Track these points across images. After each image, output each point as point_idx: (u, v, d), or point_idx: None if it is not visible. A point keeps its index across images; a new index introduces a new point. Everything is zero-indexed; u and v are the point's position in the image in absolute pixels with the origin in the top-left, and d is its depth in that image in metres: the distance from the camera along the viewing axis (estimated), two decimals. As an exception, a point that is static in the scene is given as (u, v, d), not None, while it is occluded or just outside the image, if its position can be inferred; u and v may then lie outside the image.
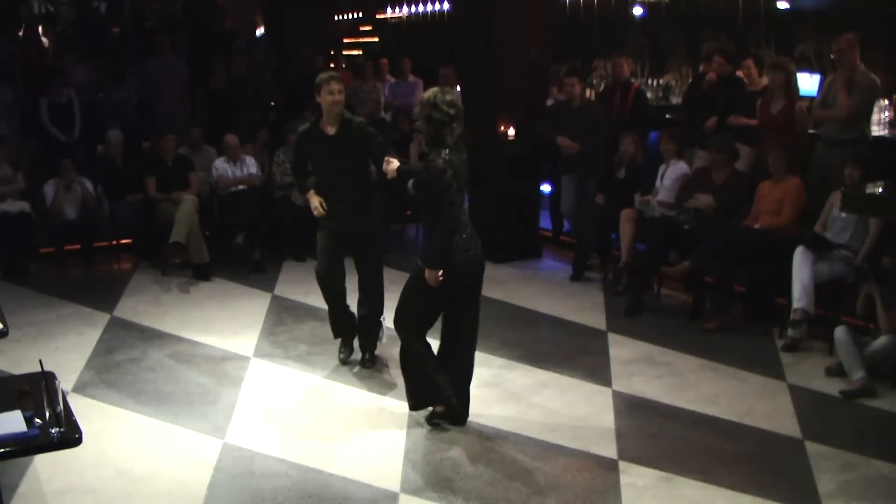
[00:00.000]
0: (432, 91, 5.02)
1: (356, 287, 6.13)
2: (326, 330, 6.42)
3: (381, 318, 6.12)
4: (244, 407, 5.59)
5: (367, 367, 6.12)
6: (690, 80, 9.34)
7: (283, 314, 7.25)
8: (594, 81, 10.78)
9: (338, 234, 5.94)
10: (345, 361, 6.21)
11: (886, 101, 7.89)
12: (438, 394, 5.17)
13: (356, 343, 6.26)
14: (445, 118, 4.92)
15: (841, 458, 4.87)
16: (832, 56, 7.41)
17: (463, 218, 5.02)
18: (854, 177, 6.19)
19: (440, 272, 4.88)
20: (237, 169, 8.77)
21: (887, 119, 7.89)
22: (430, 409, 5.28)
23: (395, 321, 5.18)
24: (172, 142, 8.79)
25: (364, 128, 5.92)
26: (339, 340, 6.32)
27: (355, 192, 5.90)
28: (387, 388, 5.82)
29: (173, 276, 8.28)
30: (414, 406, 5.32)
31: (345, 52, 14.40)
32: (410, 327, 5.13)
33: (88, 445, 4.13)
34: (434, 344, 5.28)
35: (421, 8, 14.54)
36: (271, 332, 6.88)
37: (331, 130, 5.88)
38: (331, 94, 5.80)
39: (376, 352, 6.20)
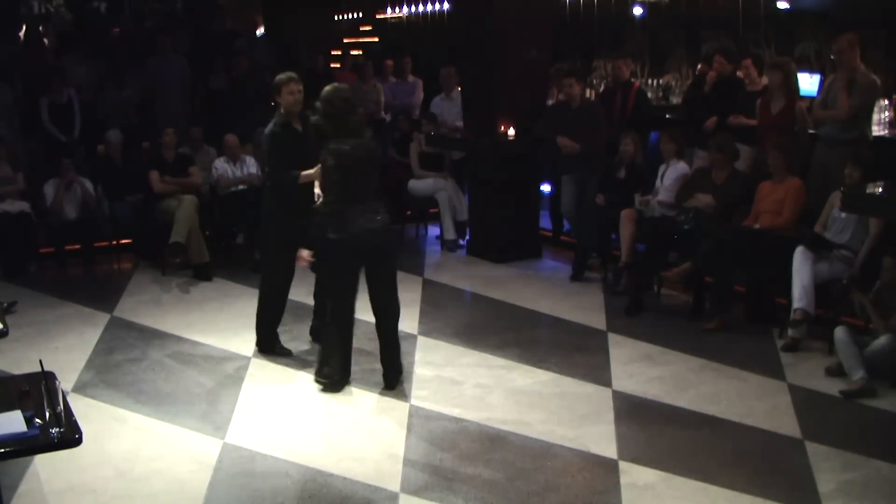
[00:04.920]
0: (329, 88, 5.68)
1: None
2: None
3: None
4: (244, 407, 5.59)
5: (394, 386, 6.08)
6: (690, 80, 9.33)
7: (283, 314, 7.23)
8: (594, 81, 10.77)
9: (296, 227, 6.11)
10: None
11: (886, 101, 7.86)
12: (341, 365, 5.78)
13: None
14: (338, 111, 5.55)
15: (841, 458, 4.87)
16: (832, 56, 7.40)
17: (360, 195, 5.55)
18: (854, 177, 6.19)
19: (306, 252, 5.74)
20: (237, 169, 8.77)
21: (887, 119, 7.87)
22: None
23: (326, 293, 5.90)
24: (172, 136, 8.79)
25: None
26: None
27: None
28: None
29: (173, 276, 8.29)
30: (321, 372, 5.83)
31: (352, 52, 14.36)
32: (332, 298, 5.80)
33: (88, 445, 4.14)
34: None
35: (421, 8, 14.52)
36: (271, 332, 6.88)
37: (298, 127, 6.22)
38: (291, 94, 6.14)
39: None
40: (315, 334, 6.60)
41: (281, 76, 6.23)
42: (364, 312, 6.69)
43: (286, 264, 6.31)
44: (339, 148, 5.50)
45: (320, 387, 5.79)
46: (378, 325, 5.84)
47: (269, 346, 6.47)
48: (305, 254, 5.79)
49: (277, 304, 6.47)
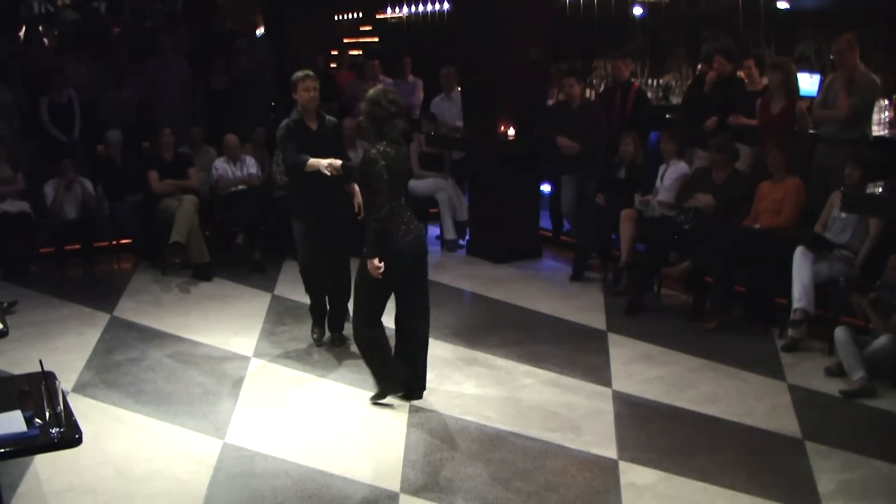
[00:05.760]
0: (375, 90, 5.48)
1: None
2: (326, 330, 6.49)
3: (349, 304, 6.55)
4: (244, 407, 5.59)
5: (338, 345, 6.50)
6: (690, 81, 9.34)
7: (283, 314, 7.25)
8: (594, 81, 10.78)
9: (319, 225, 6.24)
10: (318, 342, 6.57)
11: (886, 102, 7.87)
12: (393, 378, 5.55)
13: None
14: (386, 114, 5.28)
15: (841, 458, 4.88)
16: (832, 57, 7.40)
17: (398, 204, 5.34)
18: (854, 177, 6.19)
19: (379, 262, 5.21)
20: (237, 169, 8.77)
21: (887, 119, 7.87)
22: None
23: (353, 311, 5.55)
24: (171, 136, 8.79)
25: (338, 127, 6.39)
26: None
27: (337, 183, 6.15)
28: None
29: (173, 276, 8.29)
30: (380, 394, 5.61)
31: (351, 52, 14.36)
32: (363, 314, 5.47)
33: (88, 445, 4.14)
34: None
35: (421, 8, 14.52)
36: (271, 332, 6.89)
37: (313, 125, 6.26)
38: (307, 91, 6.18)
39: (344, 332, 6.56)
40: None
41: (298, 73, 6.29)
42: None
43: (318, 259, 6.40)
44: (388, 152, 5.23)
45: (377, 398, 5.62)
46: (410, 332, 5.54)
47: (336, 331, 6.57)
48: (377, 263, 5.23)
49: (322, 296, 6.54)
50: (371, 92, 5.43)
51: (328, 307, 6.59)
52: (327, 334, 6.62)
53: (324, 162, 5.96)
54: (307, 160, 6.04)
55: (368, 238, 5.28)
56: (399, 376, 5.55)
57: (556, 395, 5.72)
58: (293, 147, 6.14)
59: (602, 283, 7.94)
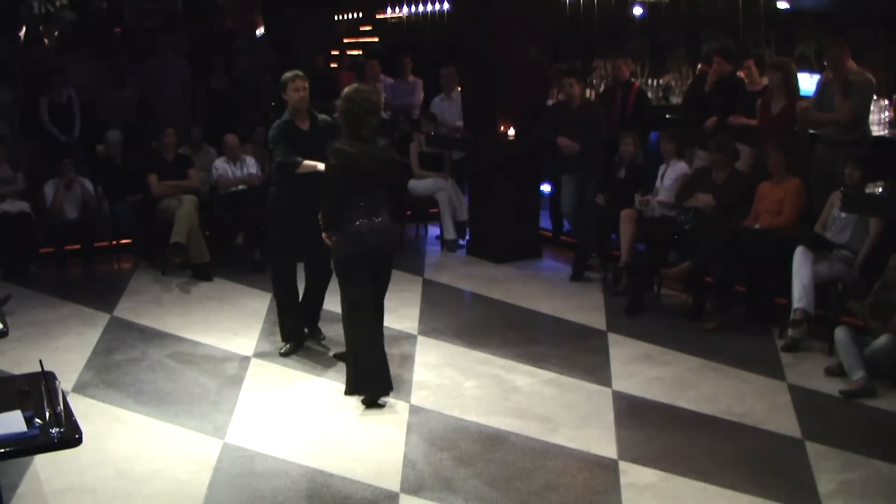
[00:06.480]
0: (350, 87, 5.54)
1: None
2: (326, 330, 6.48)
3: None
4: (244, 407, 5.59)
5: (318, 338, 6.55)
6: (690, 80, 9.34)
7: (299, 306, 7.23)
8: (594, 81, 10.78)
9: (300, 226, 6.10)
10: (288, 354, 6.41)
11: (886, 102, 7.87)
12: (371, 379, 5.53)
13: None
14: (359, 111, 5.37)
15: (841, 458, 4.88)
16: (825, 64, 7.41)
17: (365, 198, 5.44)
18: (854, 177, 6.19)
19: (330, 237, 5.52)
20: (237, 169, 8.77)
21: (887, 119, 7.88)
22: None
23: (342, 302, 5.59)
24: (172, 136, 8.79)
25: (333, 125, 6.25)
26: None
27: (321, 186, 6.09)
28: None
29: (173, 276, 8.29)
30: (350, 391, 5.63)
31: (351, 52, 14.37)
32: (349, 304, 5.52)
33: (88, 445, 4.14)
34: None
35: (421, 8, 14.53)
36: (271, 332, 6.87)
37: (304, 126, 6.23)
38: (296, 91, 6.16)
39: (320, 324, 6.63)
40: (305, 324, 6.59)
41: (287, 73, 6.27)
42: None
43: (286, 261, 6.34)
44: (345, 150, 5.34)
45: (363, 402, 5.57)
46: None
47: (294, 337, 6.46)
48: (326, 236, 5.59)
49: (292, 298, 6.44)
50: (346, 90, 5.51)
51: (303, 304, 6.52)
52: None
53: (321, 165, 5.94)
54: (300, 162, 6.02)
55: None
56: (381, 385, 5.55)
57: (556, 395, 5.72)
58: (286, 147, 6.11)
59: (602, 283, 7.94)
